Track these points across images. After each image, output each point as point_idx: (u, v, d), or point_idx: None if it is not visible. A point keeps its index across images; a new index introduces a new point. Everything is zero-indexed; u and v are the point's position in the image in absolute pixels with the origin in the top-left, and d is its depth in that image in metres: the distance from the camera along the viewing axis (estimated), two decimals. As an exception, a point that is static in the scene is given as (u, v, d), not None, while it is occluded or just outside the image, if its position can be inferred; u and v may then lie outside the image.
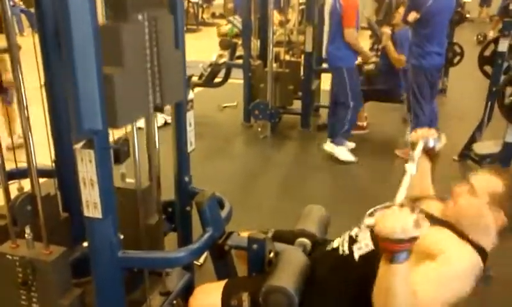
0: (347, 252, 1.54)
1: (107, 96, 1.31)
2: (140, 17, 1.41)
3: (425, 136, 1.62)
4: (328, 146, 4.36)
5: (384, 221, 1.13)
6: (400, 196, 1.26)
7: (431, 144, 1.63)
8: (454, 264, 1.30)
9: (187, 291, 1.84)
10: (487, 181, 1.41)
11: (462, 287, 1.29)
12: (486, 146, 3.72)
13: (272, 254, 1.63)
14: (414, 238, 1.11)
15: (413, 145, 1.60)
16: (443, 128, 1.63)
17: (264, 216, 3.26)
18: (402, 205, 1.17)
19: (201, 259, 2.61)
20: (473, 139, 4.14)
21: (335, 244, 1.64)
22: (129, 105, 1.39)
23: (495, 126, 4.11)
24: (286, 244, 1.72)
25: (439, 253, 1.30)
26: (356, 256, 1.50)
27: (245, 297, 1.54)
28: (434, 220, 1.42)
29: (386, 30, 4.70)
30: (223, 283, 1.62)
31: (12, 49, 1.40)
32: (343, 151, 4.31)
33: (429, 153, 1.68)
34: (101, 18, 1.37)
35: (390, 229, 1.11)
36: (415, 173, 1.38)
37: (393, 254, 1.13)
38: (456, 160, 4.27)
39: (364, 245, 1.50)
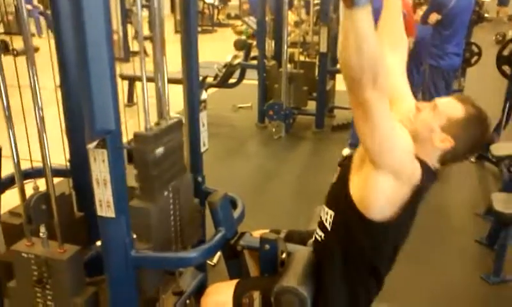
0: (321, 234, 1.56)
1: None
2: (166, 193, 1.63)
3: None
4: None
5: None
6: None
7: None
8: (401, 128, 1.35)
9: (200, 291, 1.85)
10: (450, 105, 1.39)
11: (409, 157, 1.32)
12: (504, 148, 3.65)
13: (284, 255, 1.62)
14: None
15: None
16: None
17: (278, 216, 3.26)
18: None
19: (215, 260, 2.62)
20: (490, 141, 4.07)
21: (312, 238, 1.66)
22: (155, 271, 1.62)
23: (513, 128, 4.05)
24: (298, 245, 1.72)
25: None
26: (329, 229, 1.51)
27: (256, 295, 1.54)
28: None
29: None
30: (234, 281, 1.62)
31: (27, 51, 1.42)
32: None
33: None
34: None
35: None
36: None
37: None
38: (473, 161, 4.21)
39: (328, 216, 1.52)
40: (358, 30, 1.07)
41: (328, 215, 1.53)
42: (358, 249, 1.45)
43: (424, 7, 4.19)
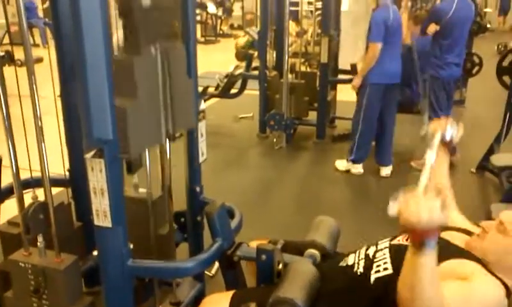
0: (361, 271, 1.50)
1: (121, 127, 1.35)
2: (153, 50, 1.46)
3: (443, 126, 1.57)
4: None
5: (409, 208, 1.08)
6: (423, 182, 1.22)
7: (448, 133, 1.57)
8: (481, 290, 1.27)
9: (198, 301, 1.84)
10: None
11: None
12: (505, 158, 3.65)
13: (281, 266, 1.62)
14: (441, 224, 1.07)
15: (431, 136, 1.56)
16: (461, 139, 1.59)
17: (277, 227, 3.25)
18: (426, 190, 1.13)
19: (213, 271, 2.61)
20: (491, 151, 4.07)
21: (349, 261, 1.59)
22: (142, 135, 1.45)
23: (514, 138, 4.05)
24: (295, 255, 1.72)
25: (465, 278, 1.27)
26: (372, 278, 1.45)
27: (253, 306, 1.53)
28: (459, 251, 1.39)
29: None
30: (231, 293, 1.62)
31: (27, 62, 1.44)
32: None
33: (446, 144, 1.62)
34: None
35: (416, 216, 1.07)
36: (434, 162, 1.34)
37: (421, 242, 1.08)
38: (473, 172, 4.20)
39: (383, 268, 1.45)
40: (421, 274, 1.11)
41: (383, 266, 1.46)
42: None
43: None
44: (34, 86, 1.45)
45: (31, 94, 1.46)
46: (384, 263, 1.46)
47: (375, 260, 1.50)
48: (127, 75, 1.38)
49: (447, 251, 1.36)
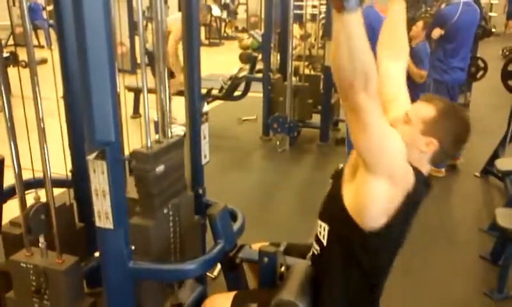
0: (318, 249, 1.55)
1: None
2: (166, 210, 1.64)
3: None
4: None
5: None
6: None
7: None
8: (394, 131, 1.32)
9: (200, 303, 1.84)
10: (420, 109, 1.39)
11: (402, 161, 1.30)
12: (509, 162, 3.63)
13: (283, 268, 1.62)
14: None
15: None
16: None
17: (279, 230, 3.24)
18: None
19: (215, 272, 2.60)
20: (496, 155, 4.05)
21: (310, 253, 1.65)
22: (155, 287, 1.65)
23: (519, 142, 4.02)
24: (298, 258, 1.71)
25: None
26: (325, 243, 1.50)
27: (254, 308, 1.53)
28: None
29: None
30: (232, 294, 1.61)
31: (30, 63, 1.44)
32: None
33: None
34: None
35: None
36: None
37: (342, 3, 1.05)
38: (477, 176, 4.18)
39: (323, 230, 1.51)
40: (349, 34, 1.08)
41: (322, 229, 1.52)
42: (354, 262, 1.44)
43: (419, 23, 4.19)
44: (37, 87, 1.45)
45: (33, 95, 1.46)
46: (322, 227, 1.52)
47: (318, 234, 1.55)
48: (143, 237, 1.56)
49: None
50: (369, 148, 1.25)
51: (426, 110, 1.38)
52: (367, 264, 1.44)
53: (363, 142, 1.24)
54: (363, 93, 1.13)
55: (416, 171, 1.35)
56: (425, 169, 1.40)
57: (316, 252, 1.56)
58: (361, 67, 1.11)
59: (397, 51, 1.62)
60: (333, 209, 1.47)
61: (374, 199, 1.31)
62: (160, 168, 1.58)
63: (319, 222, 1.55)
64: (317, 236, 1.56)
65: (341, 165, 1.54)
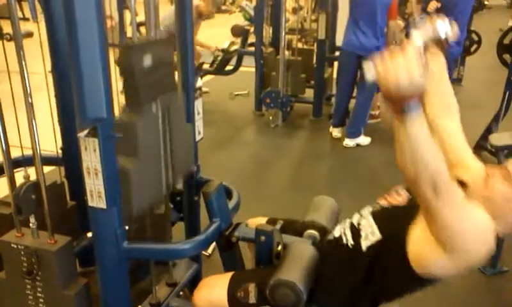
0: (352, 243, 1.49)
1: (124, 189, 1.39)
2: (154, 108, 1.49)
3: (434, 21, 1.34)
4: None
5: (387, 70, 0.98)
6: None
7: (441, 28, 1.33)
8: (478, 214, 1.21)
9: (195, 282, 1.82)
10: None
11: (482, 238, 1.18)
12: (503, 138, 3.60)
13: (280, 247, 1.59)
14: (422, 88, 0.99)
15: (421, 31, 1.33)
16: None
17: (274, 206, 3.23)
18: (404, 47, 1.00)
19: (210, 250, 2.59)
20: (489, 130, 4.04)
21: (336, 233, 1.59)
22: (144, 195, 1.47)
23: (512, 117, 4.01)
24: (295, 236, 1.69)
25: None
26: (364, 246, 1.45)
27: (251, 287, 1.51)
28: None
29: (398, 22, 4.63)
30: (229, 275, 1.59)
31: (16, 36, 1.37)
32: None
33: (440, 44, 1.41)
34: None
35: (395, 79, 0.97)
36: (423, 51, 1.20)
37: (402, 109, 1.00)
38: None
39: (371, 234, 1.45)
40: (413, 144, 1.03)
41: (370, 233, 1.45)
42: (382, 282, 1.40)
43: None
44: (24, 61, 1.39)
45: (20, 69, 1.39)
46: (371, 229, 1.46)
47: (361, 228, 1.50)
48: (129, 136, 1.40)
49: None
50: (443, 237, 1.16)
51: None
52: (394, 290, 1.42)
53: (436, 232, 1.16)
54: (433, 198, 1.07)
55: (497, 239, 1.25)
56: (505, 229, 1.27)
57: (348, 244, 1.50)
58: (427, 174, 1.05)
59: (448, 108, 1.52)
60: (396, 231, 1.36)
61: (441, 269, 1.24)
62: (147, 59, 1.44)
63: (371, 221, 1.48)
64: (358, 230, 1.50)
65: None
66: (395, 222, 1.41)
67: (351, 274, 1.47)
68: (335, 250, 1.55)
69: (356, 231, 1.51)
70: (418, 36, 1.19)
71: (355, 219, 1.57)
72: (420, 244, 1.26)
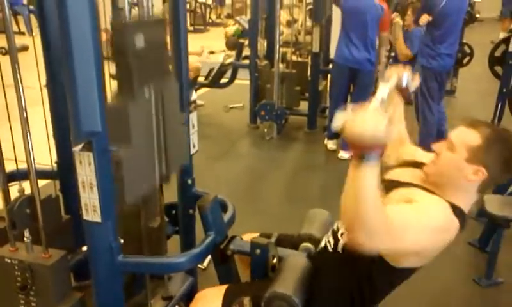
0: (333, 247, 1.54)
1: (116, 176, 1.36)
2: (147, 92, 1.45)
3: (400, 72, 1.47)
4: None
5: (355, 120, 1.03)
6: (373, 104, 1.11)
7: (404, 79, 1.49)
8: (424, 203, 1.29)
9: (190, 295, 1.81)
10: (465, 136, 1.34)
11: (433, 234, 1.28)
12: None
13: (275, 260, 1.59)
14: (384, 141, 1.04)
15: (387, 78, 1.46)
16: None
17: (269, 219, 3.23)
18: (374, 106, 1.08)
19: (205, 263, 2.58)
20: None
21: (322, 243, 1.63)
22: (137, 182, 1.45)
23: (505, 128, 4.05)
24: (290, 249, 1.69)
25: (411, 201, 1.30)
26: (340, 247, 1.49)
27: (247, 301, 1.50)
28: (407, 183, 1.42)
29: (398, 20, 4.70)
30: (224, 287, 1.58)
31: (11, 50, 1.38)
32: None
33: (402, 91, 1.58)
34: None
35: (361, 128, 1.02)
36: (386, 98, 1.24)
37: (361, 155, 1.05)
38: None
39: (345, 234, 1.49)
40: (361, 187, 1.07)
41: (343, 229, 1.50)
42: (365, 278, 1.44)
43: (409, 11, 4.23)
44: (19, 75, 1.39)
45: (15, 83, 1.40)
46: (343, 229, 1.50)
47: (338, 231, 1.54)
48: (122, 121, 1.37)
49: (396, 184, 1.42)
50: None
51: (471, 137, 1.32)
52: (379, 285, 1.47)
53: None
54: (366, 242, 1.13)
55: (460, 212, 1.31)
56: (470, 200, 1.36)
57: (329, 248, 1.55)
58: (364, 224, 1.10)
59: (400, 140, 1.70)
60: None
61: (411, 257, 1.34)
62: (139, 40, 1.41)
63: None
64: (336, 234, 1.55)
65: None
66: None
67: (339, 279, 1.49)
68: (323, 259, 1.57)
69: (335, 236, 1.55)
70: (385, 89, 1.25)
71: (335, 224, 1.61)
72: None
